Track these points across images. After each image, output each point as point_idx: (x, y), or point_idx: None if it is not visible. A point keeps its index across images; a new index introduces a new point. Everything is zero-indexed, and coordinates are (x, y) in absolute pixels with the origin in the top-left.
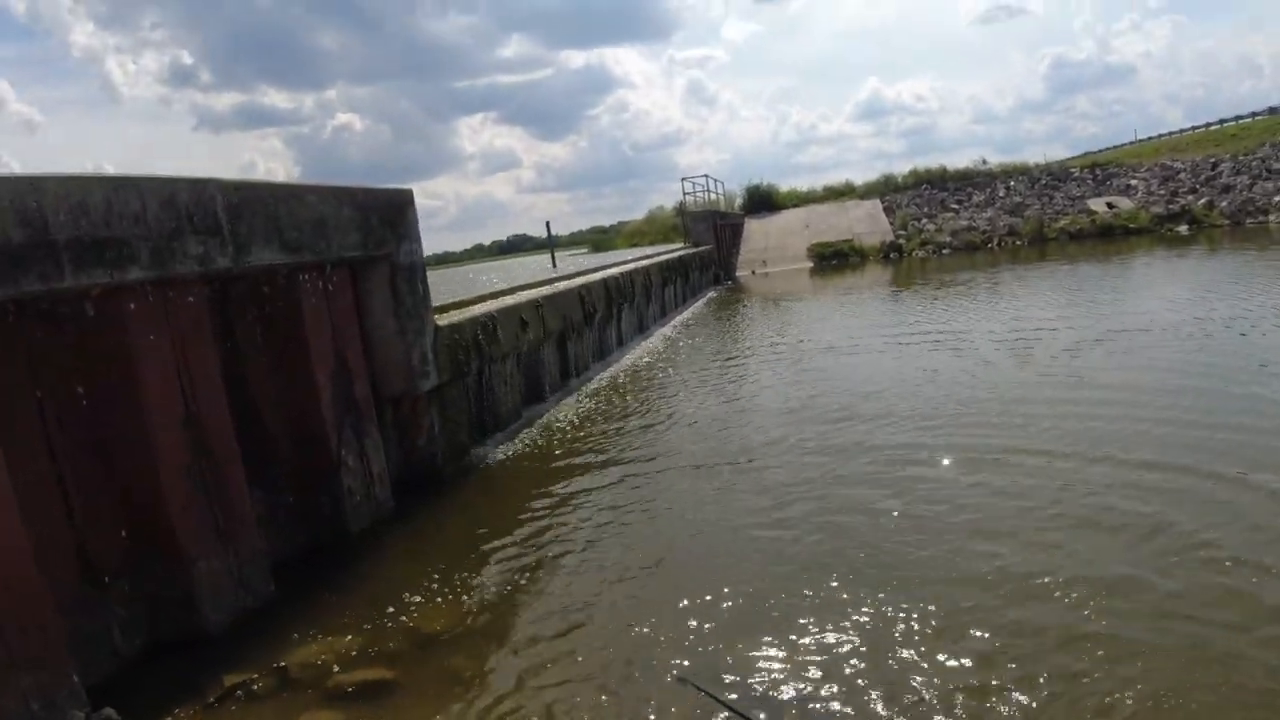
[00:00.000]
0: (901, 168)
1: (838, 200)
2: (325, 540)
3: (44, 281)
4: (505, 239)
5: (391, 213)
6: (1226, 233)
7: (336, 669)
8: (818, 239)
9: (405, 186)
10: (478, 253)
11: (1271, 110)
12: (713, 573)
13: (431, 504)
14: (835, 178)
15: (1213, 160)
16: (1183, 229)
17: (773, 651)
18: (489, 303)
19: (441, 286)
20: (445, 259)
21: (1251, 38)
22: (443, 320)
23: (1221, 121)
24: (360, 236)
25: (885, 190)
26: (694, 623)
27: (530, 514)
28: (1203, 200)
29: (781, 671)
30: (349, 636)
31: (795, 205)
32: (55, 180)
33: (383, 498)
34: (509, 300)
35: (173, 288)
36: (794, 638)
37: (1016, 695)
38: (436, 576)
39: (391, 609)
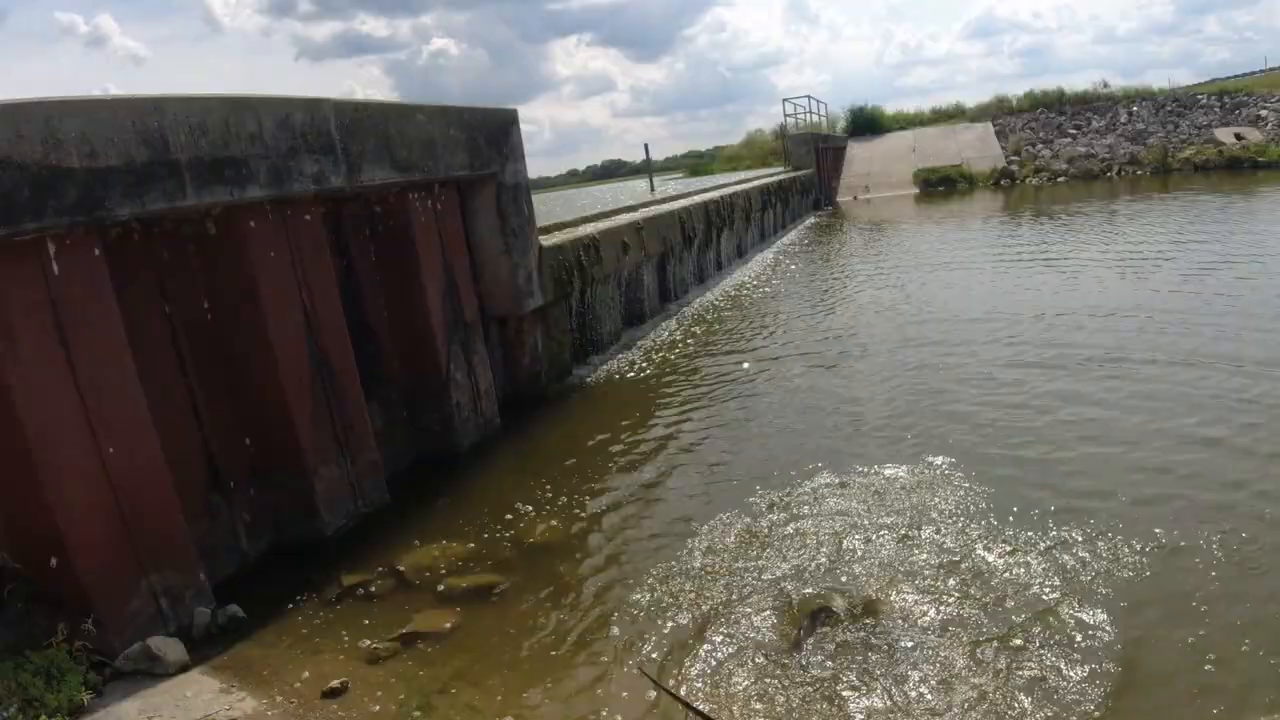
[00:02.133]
0: (1015, 90)
1: (947, 123)
2: (436, 453)
3: (167, 200)
4: (600, 164)
5: (497, 132)
6: None
7: (448, 573)
8: (924, 164)
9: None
10: (572, 178)
11: None
12: (804, 491)
13: (536, 421)
14: (944, 100)
15: None
16: None
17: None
18: (590, 225)
19: (539, 211)
20: (540, 184)
21: None
22: (546, 241)
23: None
24: (467, 156)
25: (998, 113)
26: (788, 546)
27: (629, 431)
28: None
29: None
30: (460, 543)
31: (901, 128)
32: (175, 100)
33: (490, 414)
34: (610, 222)
35: (290, 206)
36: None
37: None
38: (541, 489)
39: (499, 518)
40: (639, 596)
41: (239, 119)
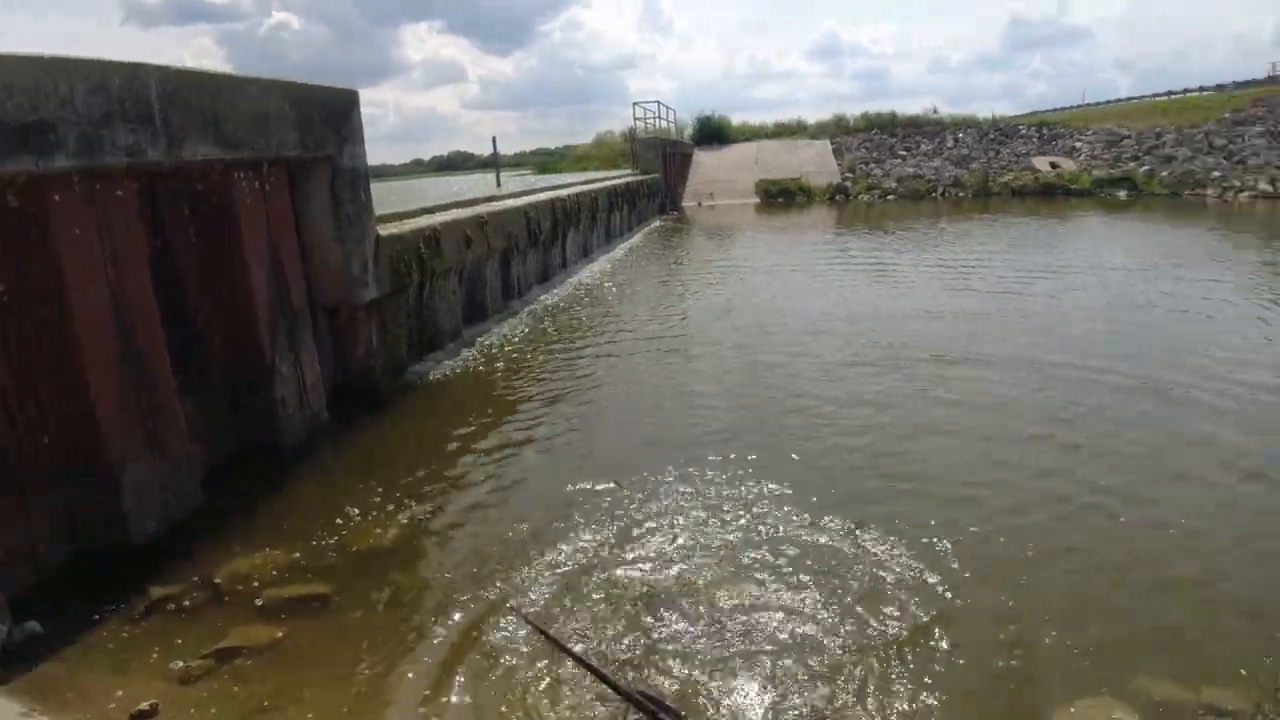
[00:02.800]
0: (853, 110)
1: (789, 138)
2: (258, 449)
3: None
4: (447, 155)
5: (335, 112)
6: (1164, 202)
7: (269, 583)
8: (766, 175)
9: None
10: (417, 168)
11: (1219, 87)
12: (642, 494)
13: (368, 418)
14: (787, 115)
15: (1157, 130)
16: (1122, 194)
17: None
18: (433, 216)
19: (380, 199)
20: (382, 172)
21: (1208, 15)
22: (385, 231)
23: (1170, 93)
24: (300, 135)
25: (836, 131)
26: (618, 550)
27: (467, 430)
28: (1145, 168)
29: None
30: (282, 550)
31: (746, 139)
32: None
33: (317, 408)
34: (453, 215)
35: (100, 179)
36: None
37: None
38: (372, 490)
39: (326, 522)
40: (473, 604)
41: (49, 82)
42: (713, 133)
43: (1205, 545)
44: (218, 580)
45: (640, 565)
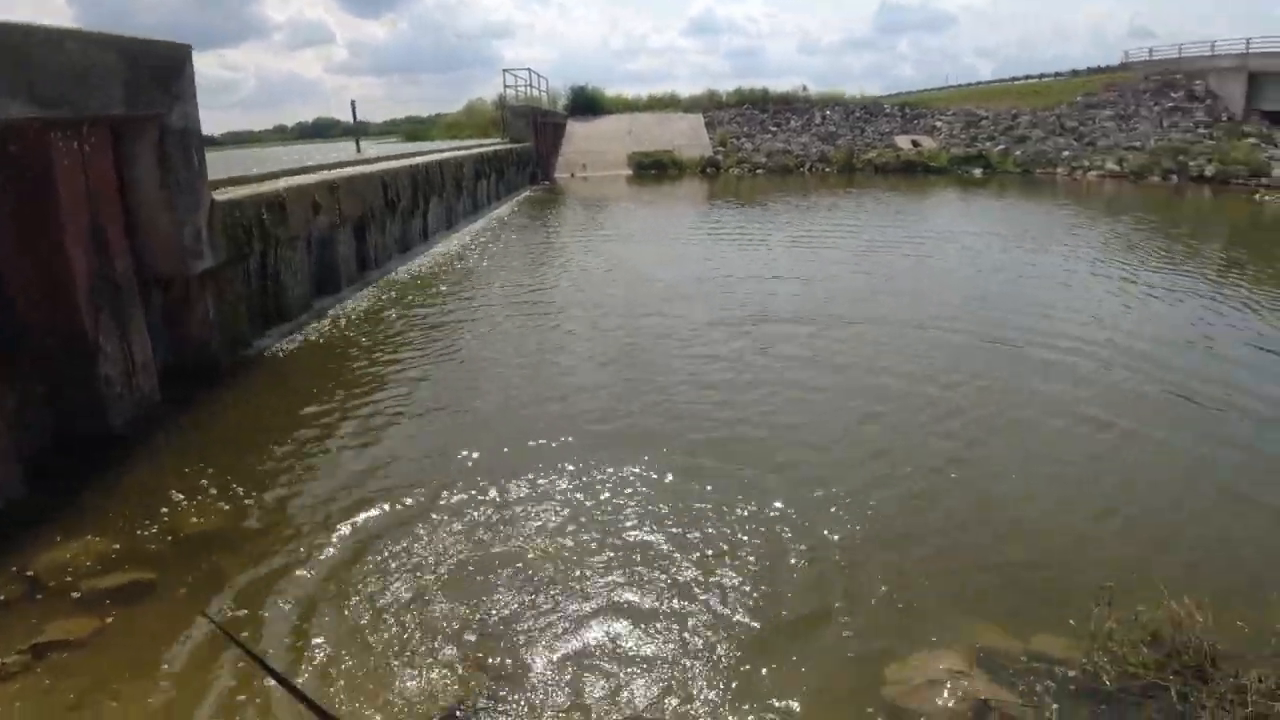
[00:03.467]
0: (726, 86)
1: (663, 110)
2: (84, 434)
3: None
4: (311, 121)
5: (165, 68)
6: (1017, 180)
7: (89, 573)
8: (639, 147)
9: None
10: (279, 134)
11: (1074, 72)
12: (501, 467)
13: (205, 397)
14: (661, 89)
15: (1014, 112)
16: (978, 172)
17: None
18: (278, 181)
19: (235, 167)
20: (243, 138)
21: (1068, 6)
22: (222, 196)
23: (1027, 77)
24: (125, 92)
25: (709, 106)
26: (462, 524)
27: (312, 407)
28: (1000, 147)
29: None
30: (104, 538)
31: (620, 111)
32: None
33: (148, 389)
34: (300, 180)
35: None
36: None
37: None
38: (205, 473)
39: (153, 508)
40: (297, 589)
41: None
42: (586, 103)
43: (1042, 494)
44: (34, 573)
45: (483, 531)
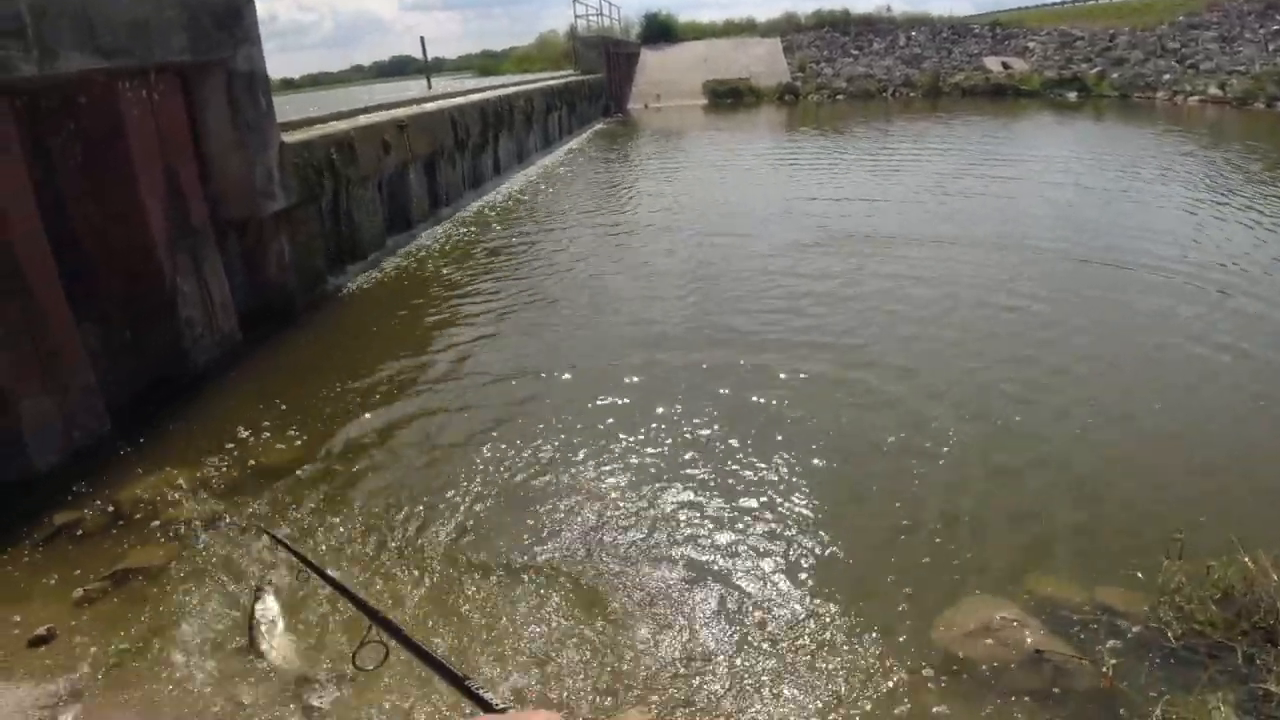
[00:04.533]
0: (805, 7)
1: (738, 36)
2: (168, 375)
3: None
4: (388, 60)
5: (225, 13)
6: (1114, 104)
7: (169, 504)
8: (714, 75)
9: None
10: (356, 74)
11: None
12: (576, 402)
13: (284, 336)
14: (736, 13)
15: (1111, 32)
16: (1072, 96)
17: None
18: (346, 121)
19: (310, 109)
20: (320, 80)
21: None
22: (291, 138)
23: None
24: (189, 39)
25: (787, 29)
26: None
27: (389, 345)
28: (1096, 69)
29: None
30: (186, 472)
31: (694, 38)
32: None
33: (228, 329)
34: (369, 119)
35: None
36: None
37: None
38: (284, 411)
39: (232, 443)
40: (376, 526)
41: None
42: (660, 31)
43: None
44: (116, 505)
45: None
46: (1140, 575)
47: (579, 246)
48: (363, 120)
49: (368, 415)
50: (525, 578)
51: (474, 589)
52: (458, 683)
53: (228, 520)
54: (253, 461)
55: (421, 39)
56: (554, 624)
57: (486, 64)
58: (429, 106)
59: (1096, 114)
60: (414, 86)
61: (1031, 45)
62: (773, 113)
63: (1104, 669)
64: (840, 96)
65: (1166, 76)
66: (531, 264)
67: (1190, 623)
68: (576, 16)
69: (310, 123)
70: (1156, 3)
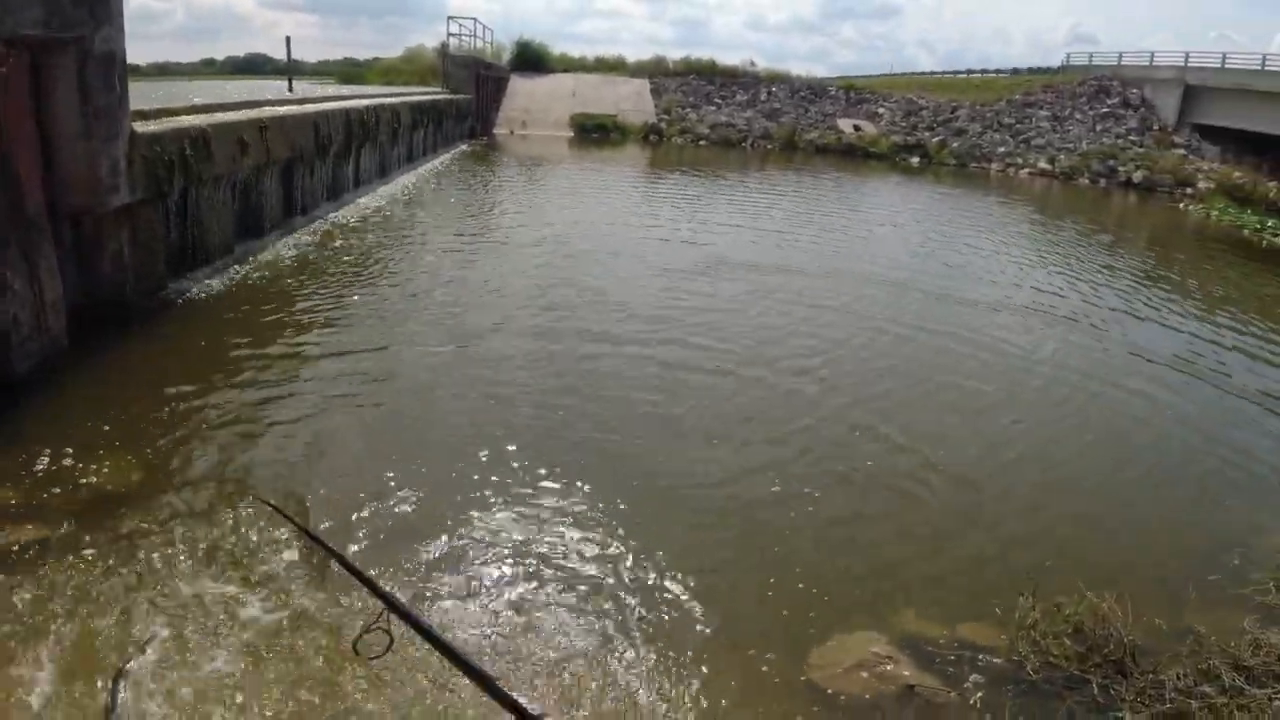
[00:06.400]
0: (674, 54)
1: (608, 73)
2: None
3: None
4: (242, 56)
5: None
6: (952, 171)
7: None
8: (583, 109)
9: None
10: (208, 69)
11: (1014, 71)
12: (428, 437)
13: (117, 340)
14: (608, 51)
15: (954, 104)
16: (915, 161)
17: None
18: (203, 116)
19: (156, 101)
20: (169, 70)
21: (1010, 9)
22: (143, 129)
23: (969, 71)
24: (45, 12)
25: (655, 72)
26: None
27: (230, 355)
28: (938, 138)
29: None
30: (8, 490)
31: (565, 70)
32: None
33: (56, 330)
34: (228, 116)
35: None
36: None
37: None
38: (114, 423)
39: (57, 460)
40: (201, 545)
41: None
42: (531, 60)
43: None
44: None
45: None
46: (997, 611)
47: (436, 268)
48: (220, 116)
49: (195, 436)
50: None
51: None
52: (480, 677)
53: (56, 547)
54: (79, 480)
55: (287, 39)
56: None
57: (349, 71)
58: (294, 109)
59: (937, 178)
60: (271, 87)
61: (881, 110)
62: (638, 151)
63: (972, 701)
64: (703, 142)
65: (1001, 149)
66: (386, 284)
67: (1047, 656)
68: (450, 34)
69: (164, 113)
70: (996, 81)
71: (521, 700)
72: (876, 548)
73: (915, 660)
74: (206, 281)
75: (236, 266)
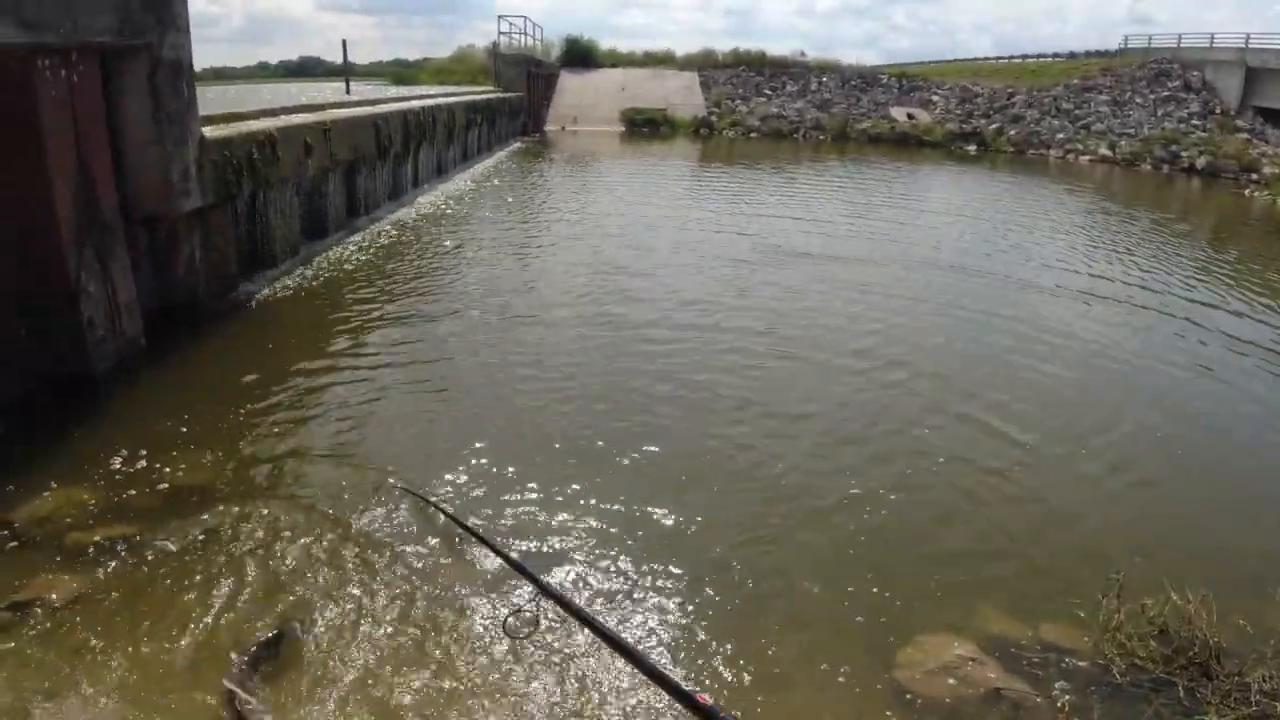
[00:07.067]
0: (722, 46)
1: (657, 67)
2: (65, 377)
3: None
4: (296, 59)
5: None
6: (1009, 159)
7: (74, 526)
8: (632, 104)
9: None
10: (262, 72)
11: (1071, 55)
12: (485, 428)
13: (191, 342)
14: (655, 45)
15: (1010, 90)
16: (971, 149)
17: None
18: (269, 120)
19: (216, 105)
20: (224, 74)
21: None
22: (212, 133)
23: (1025, 56)
24: (116, 19)
25: (704, 65)
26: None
27: (301, 357)
28: (994, 125)
29: None
30: (90, 488)
31: (613, 65)
32: None
33: (132, 332)
34: (293, 119)
35: None
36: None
37: None
38: (191, 424)
39: (139, 457)
40: (286, 549)
41: None
42: (580, 55)
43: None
44: (15, 523)
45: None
46: (1080, 614)
47: (497, 266)
48: (284, 120)
49: (270, 436)
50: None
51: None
52: (628, 653)
53: (143, 543)
54: (164, 479)
55: (343, 41)
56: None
57: (401, 72)
58: (354, 111)
59: (993, 166)
60: (327, 89)
61: (935, 98)
62: (689, 145)
63: (1059, 705)
64: (754, 134)
65: (1060, 135)
66: (446, 281)
67: (1132, 659)
68: (500, 33)
69: (232, 118)
70: (1053, 65)
71: (677, 677)
72: (956, 542)
73: (1002, 662)
74: (276, 282)
75: (302, 268)
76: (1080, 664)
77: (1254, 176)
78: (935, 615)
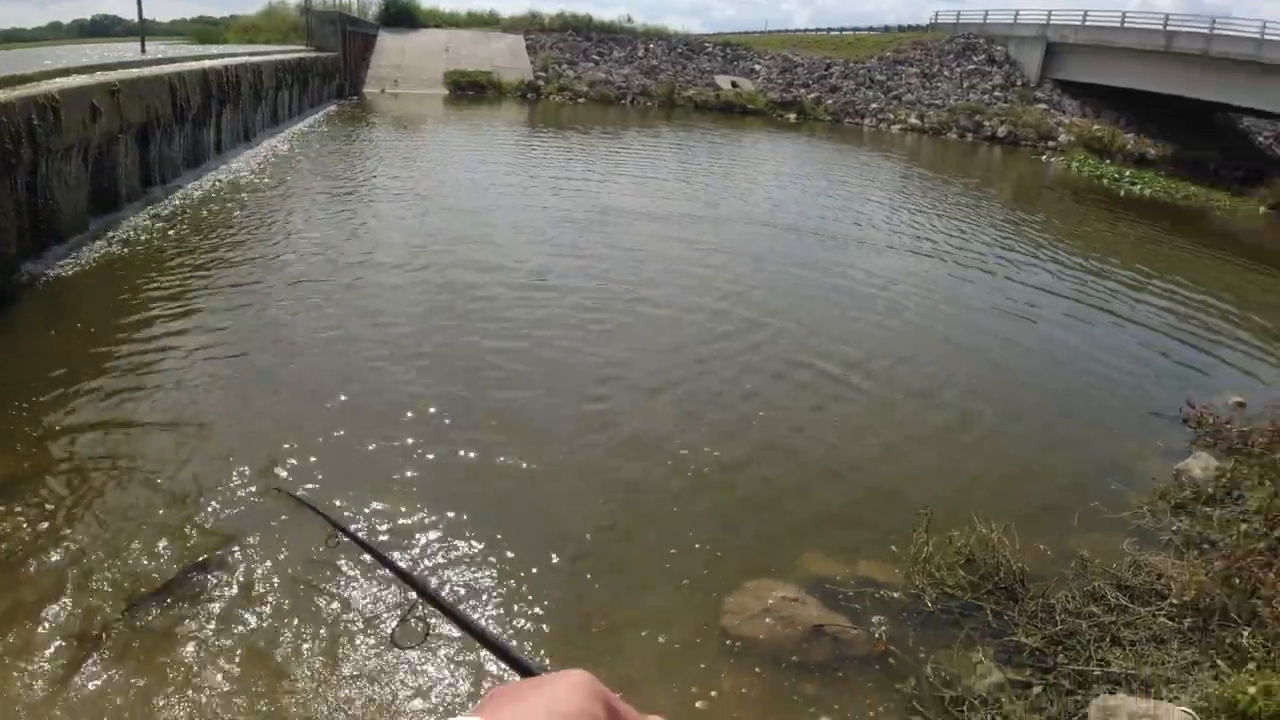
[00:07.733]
0: (549, 8)
1: (482, 29)
2: None
3: None
4: (90, 19)
5: None
6: (827, 127)
7: None
8: (457, 66)
9: None
10: (55, 32)
11: (886, 28)
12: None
13: None
14: (480, 5)
15: (827, 61)
16: (791, 116)
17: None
18: (51, 82)
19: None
20: (14, 36)
21: None
22: None
23: (842, 29)
24: None
25: (531, 28)
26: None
27: (94, 342)
28: (813, 95)
29: None
30: None
31: (436, 26)
32: None
33: None
34: (76, 81)
35: None
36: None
37: None
38: None
39: None
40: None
41: None
42: (400, 15)
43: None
44: None
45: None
46: (894, 549)
47: (304, 247)
48: (70, 81)
49: (68, 430)
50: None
51: None
52: (502, 652)
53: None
54: None
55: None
56: None
57: (204, 30)
58: (146, 71)
59: (812, 134)
60: (123, 49)
61: (758, 67)
62: (516, 109)
63: (876, 635)
64: (582, 99)
65: (874, 105)
66: (254, 255)
67: (942, 587)
68: None
69: (11, 81)
70: (868, 38)
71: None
72: (773, 490)
73: (822, 600)
74: (62, 260)
75: (94, 243)
76: (895, 595)
77: (1050, 143)
78: (760, 561)
